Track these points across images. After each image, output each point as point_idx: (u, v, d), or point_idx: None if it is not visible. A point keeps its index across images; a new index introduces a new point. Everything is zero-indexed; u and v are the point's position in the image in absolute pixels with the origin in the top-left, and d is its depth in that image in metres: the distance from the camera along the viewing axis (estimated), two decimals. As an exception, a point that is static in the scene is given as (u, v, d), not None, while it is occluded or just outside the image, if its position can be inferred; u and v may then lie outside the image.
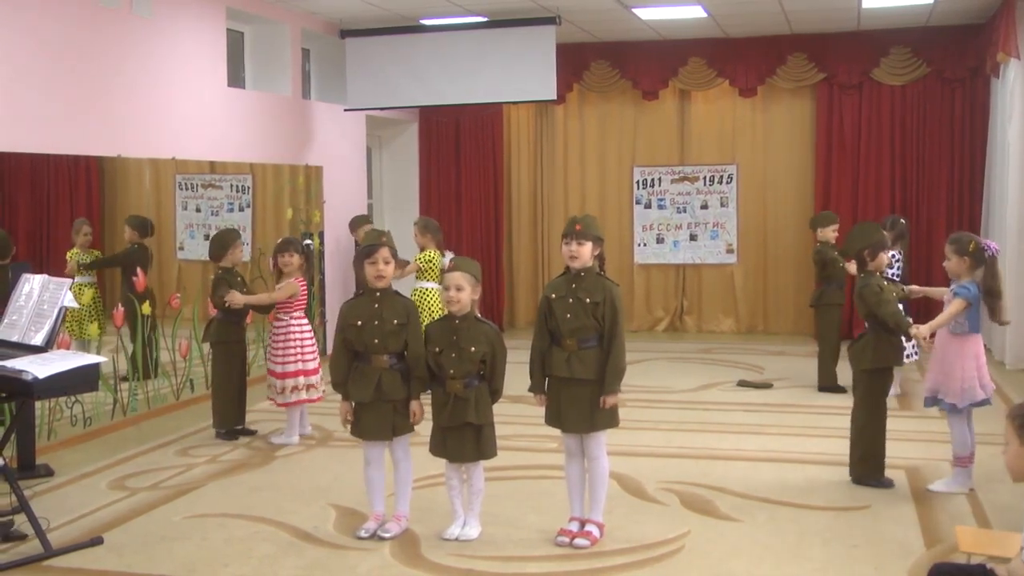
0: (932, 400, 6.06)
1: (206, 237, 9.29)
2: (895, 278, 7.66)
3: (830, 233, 8.93)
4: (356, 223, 10.39)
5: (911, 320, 6.22)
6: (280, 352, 7.18)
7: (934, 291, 6.74)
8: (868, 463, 6.08)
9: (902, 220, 8.86)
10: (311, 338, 7.30)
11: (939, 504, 5.74)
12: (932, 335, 5.93)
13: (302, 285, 7.27)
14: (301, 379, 7.18)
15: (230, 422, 7.44)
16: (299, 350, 7.19)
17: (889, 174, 11.56)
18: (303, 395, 7.20)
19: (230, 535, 5.37)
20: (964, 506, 5.73)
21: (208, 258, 7.55)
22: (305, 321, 7.31)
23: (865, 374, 6.06)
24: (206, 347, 8.60)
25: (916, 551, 5.05)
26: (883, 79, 11.44)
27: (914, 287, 6.81)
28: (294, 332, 7.20)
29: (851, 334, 10.87)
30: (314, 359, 7.25)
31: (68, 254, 8.05)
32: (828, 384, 8.87)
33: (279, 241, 7.55)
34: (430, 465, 5.79)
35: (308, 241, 7.57)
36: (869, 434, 6.06)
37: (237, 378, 7.48)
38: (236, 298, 7.21)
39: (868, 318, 6.06)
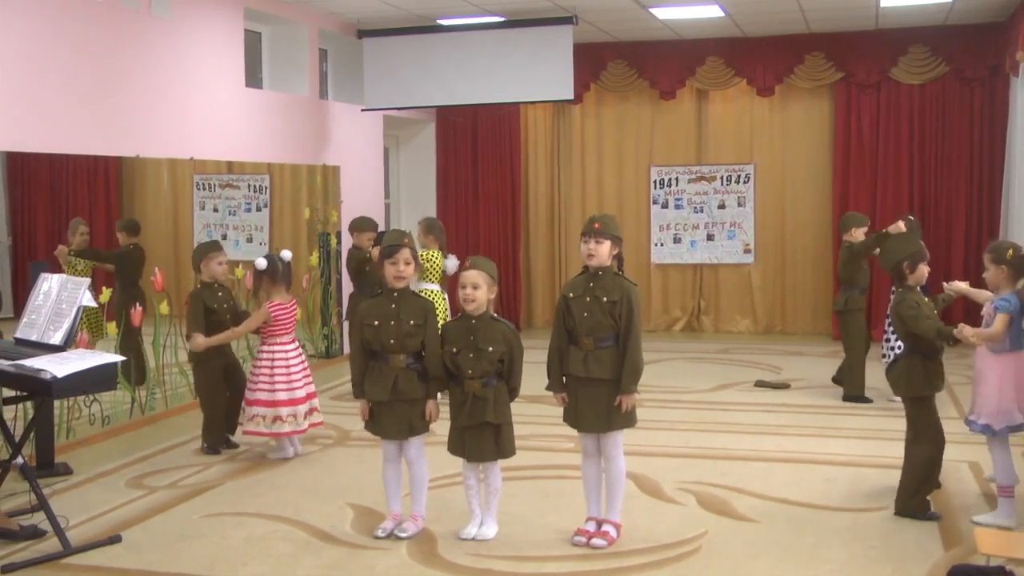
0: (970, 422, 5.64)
1: (224, 237, 9.33)
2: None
3: (861, 235, 8.49)
4: (357, 226, 9.26)
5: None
6: (255, 378, 6.78)
7: (977, 293, 6.10)
8: (915, 498, 5.56)
9: (911, 217, 8.70)
10: (297, 365, 6.84)
11: (958, 507, 5.70)
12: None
13: (277, 308, 6.83)
14: (263, 409, 6.70)
15: (213, 439, 7.05)
16: (270, 379, 6.74)
17: (908, 173, 11.48)
18: (262, 427, 6.73)
19: (248, 534, 5.36)
20: (983, 508, 5.68)
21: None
22: (289, 347, 6.83)
23: (907, 402, 5.62)
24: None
25: (935, 553, 5.01)
26: (901, 78, 11.37)
27: (957, 283, 6.13)
28: (277, 359, 6.77)
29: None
30: (302, 387, 6.82)
31: (59, 248, 7.79)
32: (855, 394, 8.49)
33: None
34: (447, 465, 5.77)
35: (285, 252, 7.07)
36: (919, 466, 5.55)
37: (219, 395, 7.06)
38: (198, 342, 6.84)
39: (906, 339, 5.55)
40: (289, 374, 6.78)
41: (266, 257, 6.91)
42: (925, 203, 11.43)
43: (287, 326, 6.88)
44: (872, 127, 11.57)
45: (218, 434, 7.09)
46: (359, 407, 5.35)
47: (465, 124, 12.64)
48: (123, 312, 7.66)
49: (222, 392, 7.09)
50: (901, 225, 7.81)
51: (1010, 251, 5.43)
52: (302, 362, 6.94)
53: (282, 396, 6.74)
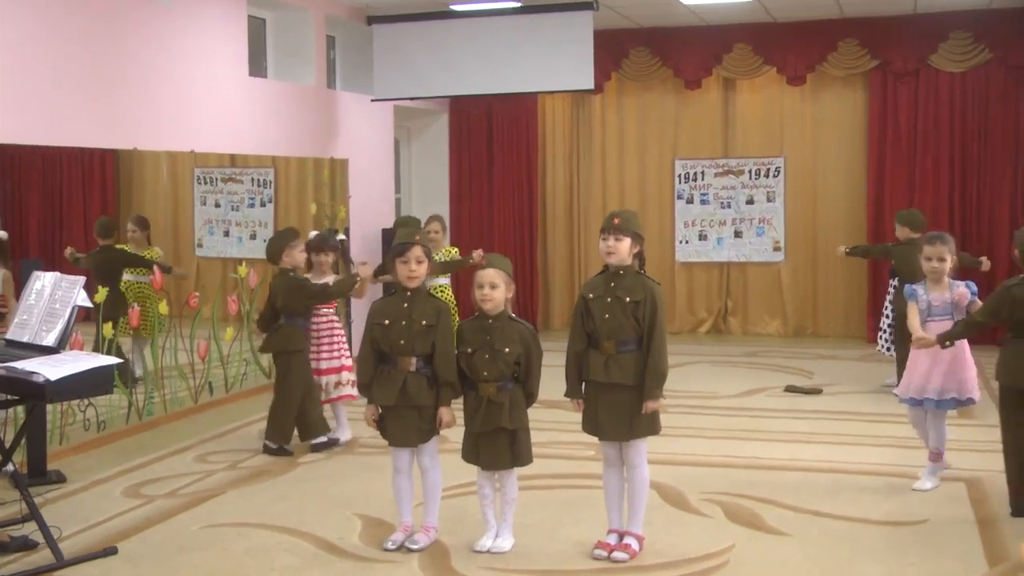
0: (954, 402, 6.05)
1: (225, 234, 9.38)
2: None
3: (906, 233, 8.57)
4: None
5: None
6: (326, 347, 7.23)
7: None
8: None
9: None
10: (343, 333, 7.51)
11: (1003, 519, 5.54)
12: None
13: None
14: (345, 375, 7.25)
15: (288, 438, 7.05)
16: (342, 345, 7.33)
17: (948, 167, 11.25)
18: (345, 390, 7.25)
19: (251, 545, 5.30)
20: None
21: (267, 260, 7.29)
22: (337, 317, 7.46)
23: (1005, 392, 5.67)
24: (226, 349, 8.61)
25: (978, 570, 4.90)
26: (942, 66, 11.14)
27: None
28: (337, 327, 7.35)
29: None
30: (349, 356, 7.34)
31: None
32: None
33: (313, 238, 7.45)
34: (461, 473, 5.71)
35: (341, 236, 7.64)
36: (1008, 459, 5.64)
37: (302, 391, 6.99)
38: (366, 271, 7.35)
39: (1015, 325, 5.59)
40: (332, 343, 7.29)
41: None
42: (967, 198, 11.20)
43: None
44: (910, 118, 11.35)
45: (291, 435, 7.03)
46: (365, 412, 5.28)
47: (480, 115, 12.52)
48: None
49: (303, 391, 7.01)
50: None
51: None
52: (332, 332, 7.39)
53: (348, 362, 7.31)
